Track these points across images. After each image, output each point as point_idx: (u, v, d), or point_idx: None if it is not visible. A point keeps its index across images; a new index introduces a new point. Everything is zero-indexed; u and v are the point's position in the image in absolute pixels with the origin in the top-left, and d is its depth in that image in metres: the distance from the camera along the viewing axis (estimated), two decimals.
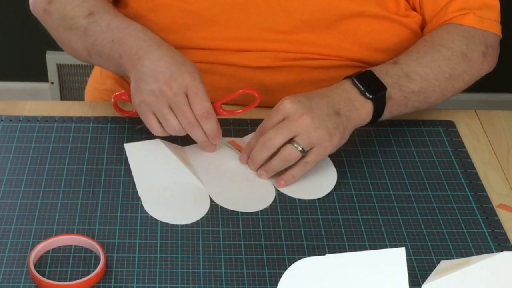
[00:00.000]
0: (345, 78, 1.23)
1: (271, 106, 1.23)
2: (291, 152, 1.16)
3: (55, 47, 1.37)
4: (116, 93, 1.26)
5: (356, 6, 1.31)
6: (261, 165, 1.20)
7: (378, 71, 1.24)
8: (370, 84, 1.22)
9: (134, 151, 1.22)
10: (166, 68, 1.19)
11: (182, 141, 1.26)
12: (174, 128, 1.19)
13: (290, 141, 1.16)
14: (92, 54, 1.28)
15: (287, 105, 1.17)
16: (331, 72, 1.35)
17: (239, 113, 1.26)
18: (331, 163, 1.23)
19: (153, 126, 1.20)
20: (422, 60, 1.27)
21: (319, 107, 1.17)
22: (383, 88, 1.22)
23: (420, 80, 1.26)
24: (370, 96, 1.21)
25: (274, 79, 1.35)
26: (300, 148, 1.15)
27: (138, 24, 1.26)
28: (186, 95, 1.18)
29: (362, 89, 1.21)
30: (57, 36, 1.32)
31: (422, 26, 1.37)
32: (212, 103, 1.20)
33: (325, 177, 1.21)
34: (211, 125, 1.20)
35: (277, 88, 1.35)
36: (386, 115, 1.25)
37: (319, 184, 1.20)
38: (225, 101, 1.23)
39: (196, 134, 1.21)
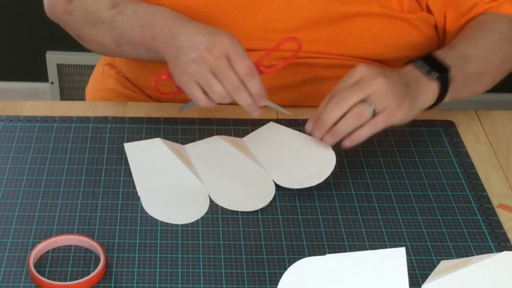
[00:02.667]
0: (407, 63, 1.24)
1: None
2: (363, 110, 1.15)
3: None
4: (155, 75, 1.25)
5: (358, 5, 1.31)
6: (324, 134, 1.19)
7: (438, 55, 1.24)
8: (434, 65, 1.22)
9: (134, 151, 1.22)
10: (203, 36, 1.19)
11: (182, 141, 1.26)
12: (219, 94, 1.18)
13: (362, 102, 1.15)
14: (122, 44, 1.28)
15: (362, 68, 1.17)
16: (336, 70, 1.35)
17: (280, 68, 1.25)
18: (329, 147, 1.21)
19: (198, 97, 1.19)
20: (477, 43, 1.28)
21: (393, 76, 1.18)
22: (446, 69, 1.22)
23: (478, 62, 1.27)
24: (436, 76, 1.21)
25: (279, 78, 1.35)
26: (372, 108, 1.15)
27: (165, 7, 1.26)
28: (227, 59, 1.18)
29: (428, 69, 1.21)
30: (82, 34, 1.32)
31: (452, 22, 1.37)
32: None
33: (322, 162, 1.20)
34: (256, 83, 1.19)
35: (282, 87, 1.35)
36: (449, 96, 1.24)
37: (316, 169, 1.19)
38: (263, 59, 1.23)
39: (242, 97, 1.19)
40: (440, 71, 1.22)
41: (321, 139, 1.19)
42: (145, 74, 1.39)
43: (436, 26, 1.39)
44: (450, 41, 1.37)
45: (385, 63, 1.37)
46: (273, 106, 1.24)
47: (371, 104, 1.15)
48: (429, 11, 1.37)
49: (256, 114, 1.21)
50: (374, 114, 1.16)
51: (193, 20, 1.23)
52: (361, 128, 1.16)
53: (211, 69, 1.17)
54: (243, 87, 1.18)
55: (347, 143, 1.17)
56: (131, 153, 1.22)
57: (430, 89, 1.21)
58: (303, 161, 1.21)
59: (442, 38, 1.40)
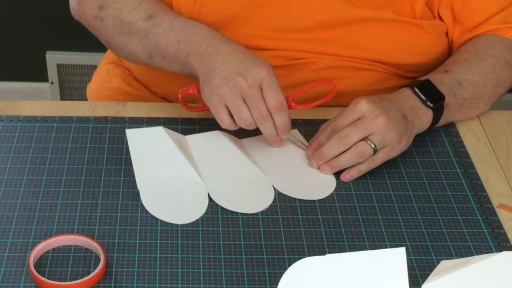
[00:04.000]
0: (404, 87, 1.28)
1: None
2: (365, 149, 1.19)
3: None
4: (184, 88, 1.26)
5: (372, 11, 1.32)
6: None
7: (434, 80, 1.28)
8: (430, 94, 1.26)
9: (136, 138, 1.21)
10: (240, 61, 1.20)
11: (182, 131, 1.26)
12: (246, 121, 1.20)
13: (363, 139, 1.19)
14: (154, 56, 1.29)
15: (364, 105, 1.20)
16: (346, 72, 1.36)
17: (312, 106, 1.27)
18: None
19: (224, 119, 1.21)
20: (471, 68, 1.32)
21: (392, 110, 1.21)
22: (442, 97, 1.27)
23: (471, 88, 1.31)
24: (431, 105, 1.26)
25: (289, 78, 1.35)
26: (373, 146, 1.18)
27: (202, 24, 1.27)
28: (260, 88, 1.19)
29: (424, 98, 1.26)
30: (112, 41, 1.32)
31: (458, 35, 1.39)
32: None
33: (325, 181, 1.21)
34: (283, 118, 1.21)
35: (292, 86, 1.35)
36: (441, 122, 1.30)
37: (319, 187, 1.20)
38: (297, 95, 1.24)
39: (267, 128, 1.21)
40: (435, 100, 1.26)
41: (318, 168, 1.22)
42: (154, 71, 1.39)
43: (447, 34, 1.40)
44: (454, 51, 1.40)
45: (396, 67, 1.37)
46: (293, 139, 1.26)
47: (372, 142, 1.19)
48: (441, 19, 1.38)
49: (276, 146, 1.25)
50: (376, 150, 1.19)
51: (233, 41, 1.24)
52: (361, 164, 1.21)
53: (242, 95, 1.19)
54: (270, 118, 1.20)
55: (347, 177, 1.21)
56: (132, 140, 1.21)
57: (425, 116, 1.26)
58: (303, 175, 1.22)
59: (450, 45, 1.42)
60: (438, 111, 1.27)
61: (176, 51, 1.25)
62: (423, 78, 1.29)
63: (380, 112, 1.19)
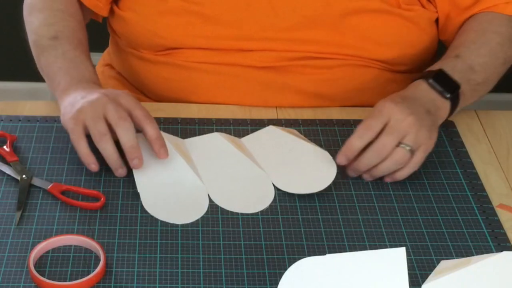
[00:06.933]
0: (418, 79, 1.26)
1: (275, 106, 1.22)
2: (402, 155, 1.17)
3: None
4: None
5: (358, 1, 1.31)
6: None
7: (447, 69, 1.27)
8: (445, 84, 1.25)
9: None
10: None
11: (182, 134, 1.26)
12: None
13: (398, 144, 1.17)
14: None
15: (391, 107, 1.18)
16: (336, 71, 1.35)
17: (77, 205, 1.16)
18: (331, 157, 1.22)
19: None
20: (480, 51, 1.31)
21: (416, 107, 1.20)
22: (457, 86, 1.25)
23: (483, 72, 1.30)
24: (448, 96, 1.24)
25: (279, 79, 1.35)
26: (408, 149, 1.17)
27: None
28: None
29: (440, 89, 1.24)
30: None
31: (456, 14, 1.38)
32: (58, 186, 1.16)
33: (325, 170, 1.21)
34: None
35: (282, 88, 1.35)
36: (457, 110, 1.28)
37: (318, 177, 1.20)
38: (69, 189, 1.17)
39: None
40: (451, 89, 1.25)
41: (357, 175, 1.21)
42: (144, 78, 1.39)
43: (436, 21, 1.39)
44: (451, 33, 1.38)
45: (385, 63, 1.37)
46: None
47: (407, 145, 1.17)
48: (430, 3, 1.37)
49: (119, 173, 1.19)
50: (412, 151, 1.18)
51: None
52: (402, 169, 1.19)
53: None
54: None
55: (388, 180, 1.20)
56: None
57: (444, 107, 1.24)
58: (303, 167, 1.22)
59: (441, 27, 1.40)
60: (455, 100, 1.25)
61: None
62: (435, 68, 1.27)
63: (408, 112, 1.17)
